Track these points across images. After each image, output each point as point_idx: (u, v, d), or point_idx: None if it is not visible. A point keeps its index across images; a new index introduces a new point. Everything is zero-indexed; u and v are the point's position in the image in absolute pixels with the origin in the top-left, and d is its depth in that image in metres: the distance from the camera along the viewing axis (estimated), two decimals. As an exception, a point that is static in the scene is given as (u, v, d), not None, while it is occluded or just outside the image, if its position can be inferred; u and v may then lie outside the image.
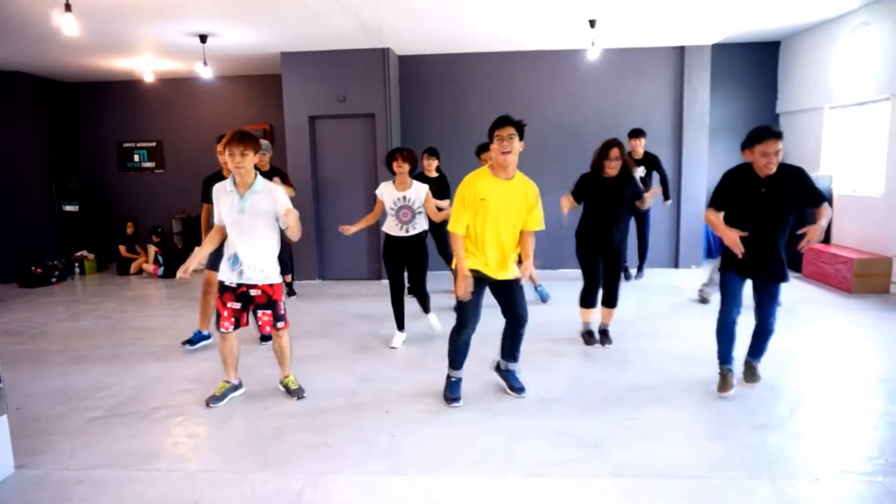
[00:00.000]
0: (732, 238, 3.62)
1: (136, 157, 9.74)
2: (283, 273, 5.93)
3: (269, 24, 6.30)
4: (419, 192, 4.92)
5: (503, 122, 3.63)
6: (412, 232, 4.95)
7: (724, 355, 3.92)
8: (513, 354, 4.00)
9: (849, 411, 3.66)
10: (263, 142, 6.09)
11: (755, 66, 8.56)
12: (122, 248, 9.01)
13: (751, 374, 3.99)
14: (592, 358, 4.70)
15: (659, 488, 2.83)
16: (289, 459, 3.21)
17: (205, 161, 8.95)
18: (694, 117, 7.95)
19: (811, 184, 3.61)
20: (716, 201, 3.78)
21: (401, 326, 5.15)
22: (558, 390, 4.05)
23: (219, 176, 5.12)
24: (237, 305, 3.86)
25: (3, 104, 8.40)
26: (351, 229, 4.95)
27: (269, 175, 5.67)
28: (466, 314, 3.75)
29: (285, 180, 6.24)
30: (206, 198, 5.10)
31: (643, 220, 7.37)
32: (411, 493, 2.86)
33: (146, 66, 8.11)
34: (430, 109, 8.21)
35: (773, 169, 3.54)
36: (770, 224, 3.65)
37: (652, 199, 4.88)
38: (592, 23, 6.38)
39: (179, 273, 3.70)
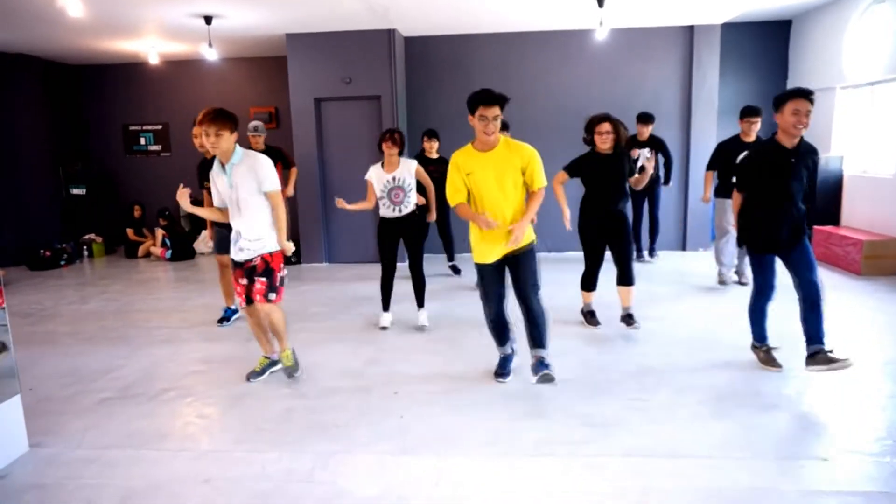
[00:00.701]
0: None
1: (143, 141, 9.73)
2: None
3: (273, 4, 6.24)
4: (409, 169, 4.91)
5: (490, 99, 3.43)
6: (405, 211, 4.95)
7: (764, 335, 4.00)
8: (533, 339, 3.73)
9: (857, 393, 3.64)
10: (256, 123, 6.06)
11: (766, 45, 8.43)
12: (129, 232, 9.04)
13: (829, 359, 3.62)
14: (600, 341, 4.69)
15: (668, 468, 2.84)
16: (298, 440, 3.24)
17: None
18: (702, 98, 7.87)
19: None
20: (741, 184, 3.81)
21: (386, 307, 5.15)
22: (567, 372, 4.04)
23: (211, 160, 5.13)
24: (245, 281, 3.88)
25: (9, 87, 8.38)
26: (346, 206, 4.83)
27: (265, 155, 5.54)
28: (484, 297, 3.78)
29: (284, 159, 6.24)
30: (203, 184, 5.12)
31: (654, 200, 7.31)
32: (421, 472, 2.88)
33: (151, 48, 8.07)
34: (436, 91, 8.15)
35: (802, 130, 3.56)
36: (797, 193, 3.72)
37: (646, 179, 4.78)
38: (601, 1, 6.30)
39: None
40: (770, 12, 7.89)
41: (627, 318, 4.82)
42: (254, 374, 4.06)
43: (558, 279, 6.36)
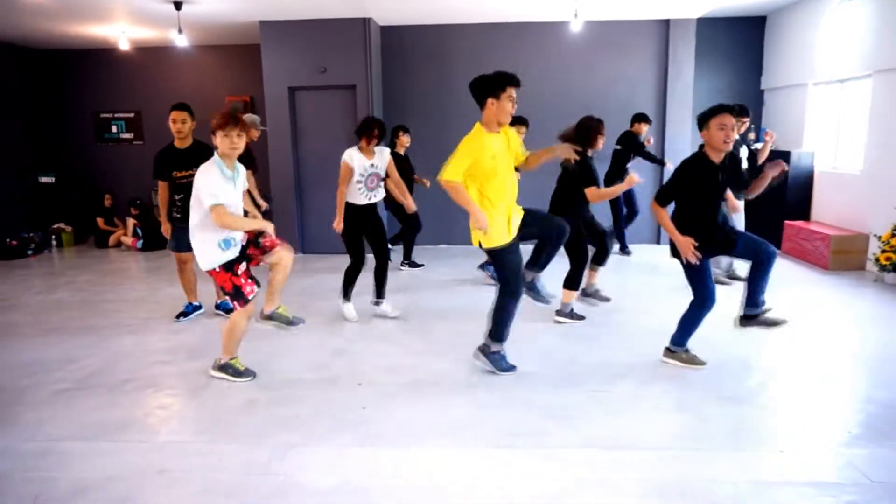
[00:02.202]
0: (687, 246, 3.62)
1: (115, 129, 9.54)
2: None
3: (245, -10, 6.14)
4: (384, 157, 4.93)
5: (518, 81, 3.64)
6: (375, 199, 4.95)
7: (687, 340, 3.97)
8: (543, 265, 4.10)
9: (818, 386, 3.69)
10: (253, 116, 5.89)
11: (741, 40, 8.49)
12: (100, 221, 8.88)
13: (772, 320, 3.80)
14: (567, 332, 4.70)
15: (624, 459, 2.85)
16: (258, 431, 3.20)
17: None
18: (678, 93, 7.90)
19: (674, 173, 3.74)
20: (668, 196, 3.74)
21: (348, 296, 5.12)
22: (531, 363, 4.05)
23: (171, 149, 5.10)
24: (245, 265, 3.81)
25: (-26, 72, 8.17)
26: (339, 224, 4.87)
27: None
28: (515, 276, 3.74)
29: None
30: (161, 174, 5.00)
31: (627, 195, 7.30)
32: (377, 464, 2.86)
33: (122, 34, 7.90)
34: (412, 81, 8.09)
35: (730, 144, 3.55)
36: (720, 205, 3.76)
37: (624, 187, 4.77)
38: (576, -7, 6.29)
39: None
40: (745, 8, 7.93)
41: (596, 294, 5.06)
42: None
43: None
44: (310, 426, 3.24)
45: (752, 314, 3.82)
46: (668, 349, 4.00)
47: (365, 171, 4.83)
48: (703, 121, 3.62)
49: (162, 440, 3.15)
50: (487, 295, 5.65)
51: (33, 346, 4.62)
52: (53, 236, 8.87)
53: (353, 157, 4.80)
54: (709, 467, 2.77)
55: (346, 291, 5.10)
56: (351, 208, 4.91)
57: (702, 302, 3.78)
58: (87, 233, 9.31)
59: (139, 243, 8.51)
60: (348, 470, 2.82)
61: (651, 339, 4.47)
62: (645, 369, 3.93)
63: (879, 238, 5.98)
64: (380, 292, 5.11)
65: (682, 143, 8.00)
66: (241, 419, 3.36)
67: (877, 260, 5.91)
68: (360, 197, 4.88)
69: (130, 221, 8.70)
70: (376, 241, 5.01)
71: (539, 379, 3.81)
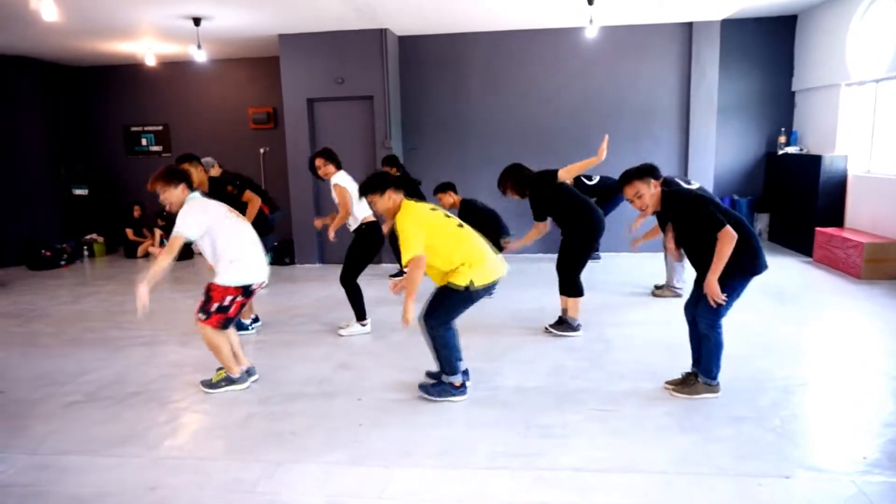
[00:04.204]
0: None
1: (144, 141, 9.80)
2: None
3: (260, 6, 6.22)
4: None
5: (360, 193, 3.71)
6: (354, 226, 5.09)
7: (692, 354, 3.78)
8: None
9: (836, 405, 3.51)
10: (206, 159, 5.89)
11: (770, 41, 8.22)
12: (129, 232, 9.12)
13: (685, 386, 3.65)
14: (576, 347, 4.59)
15: (618, 483, 2.75)
16: (252, 447, 3.20)
17: (211, 144, 8.99)
18: (701, 97, 7.68)
19: (699, 214, 3.30)
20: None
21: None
22: (537, 379, 3.96)
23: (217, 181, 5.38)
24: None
25: (10, 89, 8.48)
26: (321, 225, 4.96)
27: (219, 183, 5.33)
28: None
29: (240, 187, 5.40)
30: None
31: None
32: (365, 484, 2.82)
33: (148, 50, 8.11)
34: (429, 90, 8.08)
35: (647, 209, 3.48)
36: (696, 242, 3.43)
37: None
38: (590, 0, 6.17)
39: None
40: (774, 7, 7.68)
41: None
42: (207, 382, 4.01)
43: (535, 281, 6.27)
44: (303, 443, 3.23)
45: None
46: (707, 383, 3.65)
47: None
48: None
49: (159, 455, 3.17)
50: (497, 308, 5.60)
51: (51, 357, 4.74)
52: (86, 247, 9.14)
53: (348, 181, 5.00)
54: (706, 495, 2.64)
55: (356, 310, 5.08)
56: (370, 225, 4.99)
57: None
58: (118, 243, 9.57)
59: (165, 254, 8.69)
60: (335, 489, 2.78)
61: (660, 353, 4.34)
62: (652, 385, 3.79)
63: (915, 246, 5.68)
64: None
65: (706, 148, 7.77)
66: (237, 434, 3.37)
67: (912, 269, 5.62)
68: (371, 214, 4.93)
69: (157, 232, 8.91)
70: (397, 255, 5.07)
71: (542, 396, 3.72)
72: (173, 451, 3.21)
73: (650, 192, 3.43)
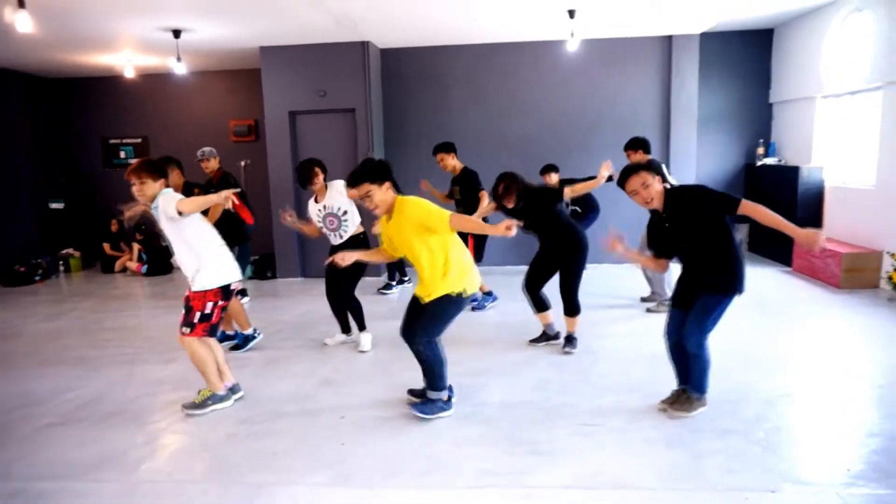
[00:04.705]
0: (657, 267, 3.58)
1: (122, 154, 9.68)
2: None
3: (240, 18, 6.18)
4: (335, 192, 4.75)
5: (352, 181, 3.39)
6: (345, 238, 4.83)
7: (677, 375, 3.67)
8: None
9: (820, 416, 3.53)
10: (203, 148, 6.18)
11: (749, 54, 8.35)
12: (106, 246, 8.96)
13: (680, 404, 3.54)
14: (562, 359, 4.58)
15: (607, 501, 2.72)
16: (233, 469, 3.13)
17: (191, 156, 8.87)
18: (682, 107, 7.77)
19: (711, 196, 3.24)
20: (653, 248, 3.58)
21: (344, 329, 5.11)
22: (521, 394, 3.94)
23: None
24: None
25: (-13, 102, 8.34)
26: (290, 221, 4.70)
27: (188, 186, 5.54)
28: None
29: (205, 188, 5.77)
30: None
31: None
32: (350, 506, 2.77)
33: (127, 62, 8.02)
34: (412, 103, 8.08)
35: (652, 202, 3.31)
36: (693, 249, 3.37)
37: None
38: (572, 13, 6.22)
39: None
40: (751, 22, 7.81)
41: (566, 341, 4.77)
42: (190, 405, 3.89)
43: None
44: (285, 463, 3.16)
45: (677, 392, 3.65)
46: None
47: (318, 216, 4.79)
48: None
49: (136, 479, 3.08)
50: (481, 322, 5.59)
51: (26, 377, 4.61)
52: (61, 262, 8.96)
53: (309, 209, 4.84)
54: (694, 510, 2.63)
55: (359, 323, 5.01)
56: (330, 247, 4.91)
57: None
58: (95, 258, 9.40)
59: (144, 268, 8.56)
60: (318, 512, 2.73)
61: (645, 366, 4.34)
62: (639, 399, 3.78)
63: (893, 256, 5.77)
64: (343, 327, 5.07)
65: (687, 158, 7.86)
66: (218, 455, 3.29)
67: (890, 278, 5.70)
68: (332, 238, 4.86)
69: (136, 246, 8.76)
70: (336, 279, 4.80)
71: (529, 411, 3.69)
72: (152, 475, 3.12)
73: (656, 185, 3.32)
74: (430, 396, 3.65)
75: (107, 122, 9.59)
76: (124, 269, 8.80)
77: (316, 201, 4.81)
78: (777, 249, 7.73)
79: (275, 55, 7.54)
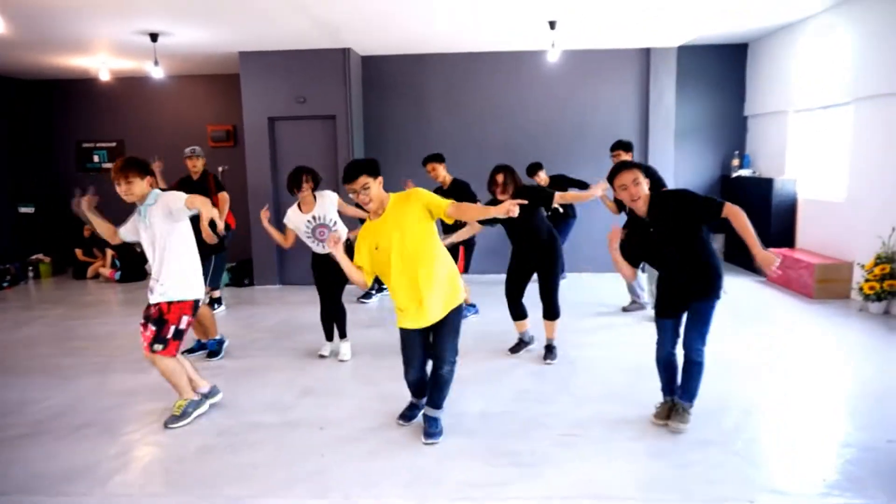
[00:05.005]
0: (628, 273, 3.54)
1: (96, 158, 9.49)
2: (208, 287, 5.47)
3: (220, 22, 6.11)
4: (327, 203, 4.68)
5: (350, 175, 3.23)
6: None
7: (664, 387, 3.66)
8: (430, 395, 3.54)
9: (797, 426, 3.57)
10: (192, 147, 6.11)
11: (724, 67, 8.50)
12: (78, 252, 8.77)
13: (678, 417, 3.50)
14: (538, 370, 4.58)
15: (588, 513, 2.72)
16: (209, 482, 3.06)
17: (167, 161, 8.72)
18: (660, 119, 7.88)
19: (697, 199, 3.29)
20: (626, 256, 3.52)
21: (329, 337, 5.02)
22: (501, 404, 3.93)
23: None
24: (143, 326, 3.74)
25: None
26: (266, 223, 4.63)
27: (203, 181, 5.85)
28: (404, 355, 3.52)
29: (219, 185, 6.13)
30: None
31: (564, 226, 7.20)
32: (329, 520, 2.73)
33: (102, 65, 7.88)
34: (391, 110, 8.07)
35: (637, 202, 3.31)
36: (680, 254, 3.38)
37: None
38: (552, 24, 6.27)
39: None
40: (727, 36, 7.95)
41: (547, 351, 4.77)
42: (172, 419, 3.79)
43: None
44: (263, 476, 3.10)
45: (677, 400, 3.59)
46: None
47: (307, 227, 4.65)
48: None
49: (108, 493, 3.00)
50: (473, 328, 5.56)
51: (-8, 387, 4.48)
52: (31, 268, 8.74)
53: (290, 218, 4.69)
54: (675, 522, 2.64)
55: (326, 333, 5.00)
56: (312, 256, 4.84)
57: (657, 341, 3.62)
58: (66, 264, 9.18)
59: (117, 275, 8.38)
60: (297, 527, 2.68)
61: (623, 375, 4.37)
62: (618, 409, 3.79)
63: (863, 267, 5.89)
64: (340, 332, 4.97)
65: (665, 168, 7.93)
66: (194, 468, 3.22)
67: (861, 289, 5.82)
68: (316, 248, 4.78)
69: (109, 252, 8.58)
70: (331, 286, 4.81)
71: (508, 422, 3.68)
72: (125, 488, 3.05)
73: (644, 186, 3.32)
74: (431, 414, 3.51)
75: (81, 126, 9.40)
76: (97, 276, 8.62)
77: (301, 211, 4.71)
78: (752, 259, 7.83)
79: (254, 60, 7.47)
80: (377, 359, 4.87)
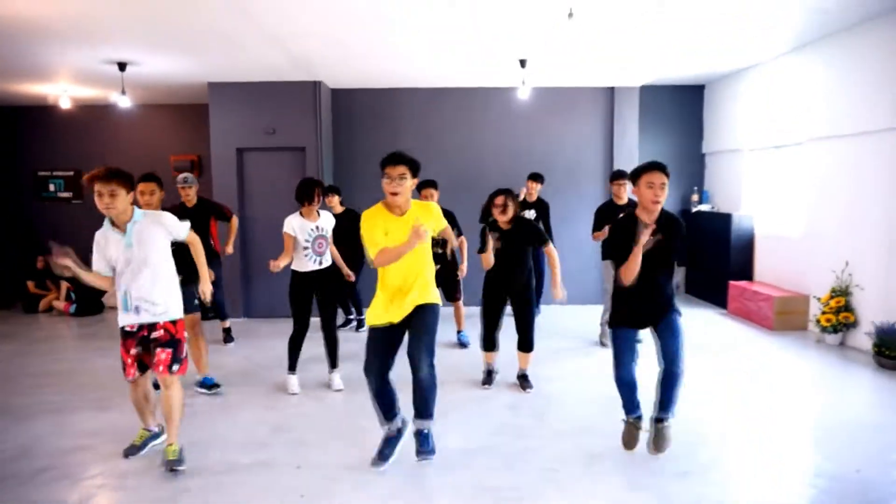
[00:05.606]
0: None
1: (52, 187, 9.19)
2: (219, 318, 6.01)
3: (191, 53, 6.07)
4: (329, 220, 4.88)
5: (394, 159, 3.32)
6: (325, 264, 4.81)
7: (629, 406, 3.68)
8: (416, 408, 3.46)
9: (769, 458, 3.64)
10: (186, 174, 5.89)
11: (683, 107, 8.86)
12: (30, 284, 8.40)
13: (660, 438, 3.49)
14: (515, 403, 4.58)
15: (577, 550, 2.71)
16: (183, 528, 2.93)
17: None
18: (623, 154, 8.12)
19: (683, 237, 3.48)
20: (605, 253, 3.64)
21: (293, 368, 4.88)
22: (480, 439, 3.90)
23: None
24: (136, 351, 3.56)
25: None
26: (280, 264, 4.62)
27: (199, 209, 5.76)
28: (368, 352, 3.44)
29: (218, 212, 6.11)
30: None
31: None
32: (314, 564, 2.63)
33: (63, 93, 7.69)
34: (362, 144, 8.09)
35: (656, 206, 3.37)
36: (667, 273, 3.51)
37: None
38: (523, 63, 6.45)
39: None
40: (685, 78, 8.31)
41: (522, 380, 4.87)
42: (133, 449, 3.70)
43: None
44: (241, 520, 2.99)
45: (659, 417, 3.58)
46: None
47: (310, 235, 4.72)
48: (634, 178, 3.48)
49: (74, 542, 2.84)
50: (446, 360, 5.53)
51: (-61, 429, 4.21)
52: (-23, 301, 8.33)
53: (293, 225, 4.69)
54: (663, 557, 2.65)
55: (292, 362, 4.88)
56: (297, 275, 4.76)
57: (616, 363, 3.62)
58: (16, 297, 8.76)
59: (72, 308, 8.05)
60: (280, 573, 2.58)
61: (601, 407, 4.39)
62: (597, 442, 3.81)
63: (819, 300, 6.13)
64: (331, 362, 4.92)
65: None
66: (165, 514, 3.08)
67: (818, 321, 6.05)
68: (308, 263, 4.72)
69: (64, 285, 8.23)
70: (323, 309, 4.82)
71: (492, 455, 3.66)
72: (91, 537, 2.89)
73: (664, 197, 3.39)
74: (422, 429, 3.46)
75: (37, 154, 9.11)
76: (50, 309, 8.25)
77: (304, 218, 4.74)
78: (712, 292, 8.10)
79: (223, 91, 7.42)
80: (353, 393, 4.79)
